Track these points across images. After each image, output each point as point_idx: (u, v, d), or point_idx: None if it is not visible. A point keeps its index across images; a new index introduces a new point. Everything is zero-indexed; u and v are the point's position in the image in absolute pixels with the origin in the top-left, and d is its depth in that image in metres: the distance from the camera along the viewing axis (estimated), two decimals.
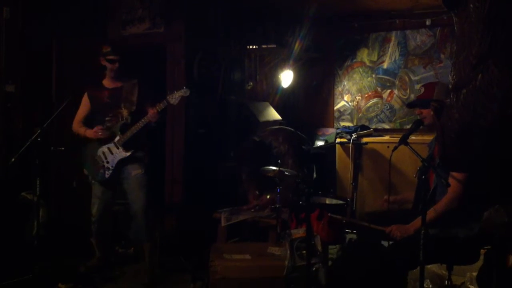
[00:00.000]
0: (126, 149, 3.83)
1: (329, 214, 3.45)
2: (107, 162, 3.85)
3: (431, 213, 2.76)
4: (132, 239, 4.08)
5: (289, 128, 4.82)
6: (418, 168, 3.10)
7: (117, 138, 3.84)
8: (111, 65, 3.88)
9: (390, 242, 2.90)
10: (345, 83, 6.05)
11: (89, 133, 3.89)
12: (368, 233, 3.09)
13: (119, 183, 3.93)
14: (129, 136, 3.81)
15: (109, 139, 3.86)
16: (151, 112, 3.74)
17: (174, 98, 3.75)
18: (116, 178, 3.89)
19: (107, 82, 3.98)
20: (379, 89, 5.86)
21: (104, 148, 3.87)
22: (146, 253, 3.94)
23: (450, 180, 2.69)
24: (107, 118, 3.90)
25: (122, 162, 3.86)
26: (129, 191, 3.89)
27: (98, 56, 3.91)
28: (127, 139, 3.82)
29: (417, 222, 2.83)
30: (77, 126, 4.00)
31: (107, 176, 3.86)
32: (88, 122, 4.00)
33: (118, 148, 3.83)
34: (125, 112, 3.89)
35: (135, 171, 3.86)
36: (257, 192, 4.39)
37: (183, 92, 3.75)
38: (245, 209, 4.22)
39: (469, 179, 2.68)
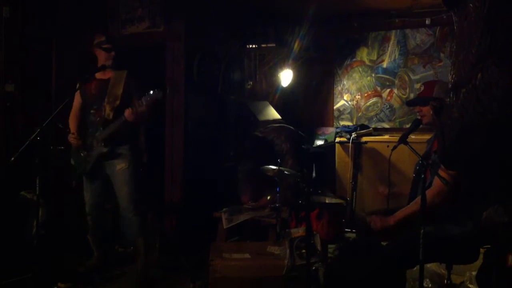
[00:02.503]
0: (105, 144, 3.79)
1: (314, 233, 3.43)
2: (89, 156, 3.84)
3: (413, 206, 2.77)
4: (125, 235, 4.04)
5: (291, 127, 4.83)
6: (416, 165, 3.11)
7: (98, 133, 3.80)
8: (108, 53, 3.82)
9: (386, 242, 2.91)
10: (345, 82, 6.05)
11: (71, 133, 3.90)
12: (367, 233, 3.09)
13: (107, 179, 3.90)
14: (107, 133, 3.76)
15: (94, 133, 3.82)
16: (127, 112, 3.65)
17: (146, 100, 3.60)
18: (100, 172, 3.87)
19: (97, 73, 3.91)
20: (378, 88, 5.86)
21: (88, 140, 3.85)
22: (140, 249, 3.88)
23: (442, 174, 2.68)
24: (91, 111, 3.86)
25: (105, 157, 3.82)
26: (115, 186, 3.87)
27: (91, 47, 3.86)
28: (106, 135, 3.77)
29: (398, 214, 2.84)
30: (70, 120, 4.00)
31: (87, 168, 3.86)
32: (81, 115, 4.00)
33: (98, 143, 3.81)
34: (107, 107, 3.79)
35: (119, 166, 3.82)
36: (249, 194, 4.38)
37: (156, 93, 3.59)
38: (245, 208, 4.21)
39: (460, 177, 2.67)
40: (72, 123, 3.99)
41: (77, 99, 3.99)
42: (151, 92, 3.60)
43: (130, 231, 3.90)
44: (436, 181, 2.73)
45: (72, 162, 4.00)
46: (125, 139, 3.86)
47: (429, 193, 2.78)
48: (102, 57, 3.87)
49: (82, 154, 3.88)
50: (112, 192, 3.96)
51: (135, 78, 3.89)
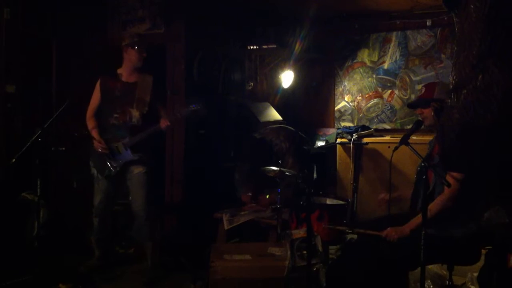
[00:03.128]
0: (134, 151, 3.81)
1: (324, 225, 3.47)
2: (115, 160, 3.83)
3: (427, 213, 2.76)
4: (134, 237, 4.07)
5: (290, 127, 4.83)
6: (417, 167, 3.11)
7: (127, 139, 3.79)
8: (140, 54, 3.79)
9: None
10: (346, 84, 6.04)
11: (95, 138, 3.84)
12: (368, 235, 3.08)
13: (123, 182, 3.92)
14: (137, 140, 3.78)
15: (119, 138, 3.81)
16: (164, 123, 3.74)
17: (185, 111, 3.77)
18: (120, 176, 3.88)
19: (123, 74, 3.87)
20: (379, 90, 5.86)
21: (113, 145, 3.83)
22: (148, 252, 3.96)
23: (448, 179, 2.69)
24: (115, 115, 3.81)
25: (130, 162, 3.85)
26: (131, 189, 3.89)
27: (120, 49, 3.84)
28: (135, 142, 3.79)
29: (413, 222, 2.83)
30: (88, 118, 3.94)
31: (113, 173, 3.85)
32: (99, 114, 3.94)
33: (126, 150, 3.80)
34: (136, 113, 3.79)
35: (137, 170, 3.85)
36: (250, 194, 4.38)
37: (198, 107, 3.75)
38: (245, 210, 4.21)
39: (466, 178, 2.67)
40: (91, 124, 3.92)
41: (96, 97, 3.91)
42: (193, 105, 3.72)
43: (140, 234, 3.94)
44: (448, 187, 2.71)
45: (92, 165, 3.96)
46: (146, 144, 3.88)
47: (440, 198, 2.77)
48: (132, 57, 3.81)
49: (106, 160, 3.84)
50: (121, 196, 3.99)
51: (158, 84, 3.91)
